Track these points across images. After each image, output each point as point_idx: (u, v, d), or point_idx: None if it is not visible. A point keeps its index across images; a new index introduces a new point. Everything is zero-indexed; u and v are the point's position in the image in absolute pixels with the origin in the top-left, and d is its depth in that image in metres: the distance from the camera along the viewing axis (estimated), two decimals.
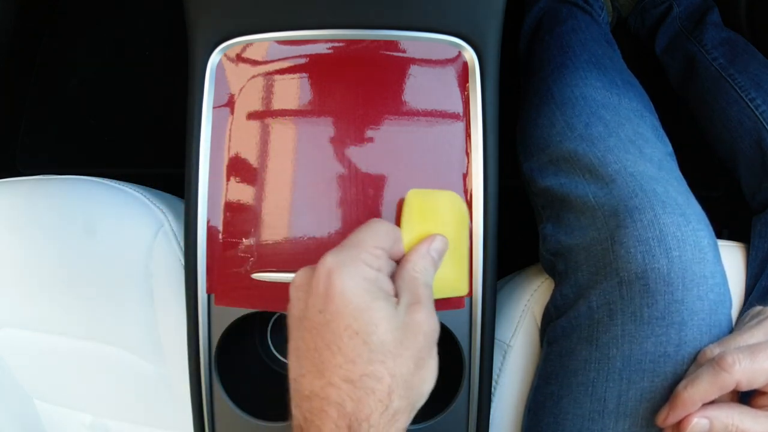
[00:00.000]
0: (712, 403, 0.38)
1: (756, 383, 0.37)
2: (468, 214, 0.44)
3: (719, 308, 0.43)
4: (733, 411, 0.38)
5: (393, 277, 0.35)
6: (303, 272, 0.34)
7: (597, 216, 0.47)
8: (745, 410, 0.38)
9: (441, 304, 0.45)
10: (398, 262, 0.37)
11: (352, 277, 0.31)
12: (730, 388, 0.37)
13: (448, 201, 0.43)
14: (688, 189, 0.49)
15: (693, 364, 0.42)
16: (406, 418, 0.32)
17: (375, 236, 0.35)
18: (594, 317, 0.46)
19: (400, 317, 0.32)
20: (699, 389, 0.38)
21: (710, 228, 0.47)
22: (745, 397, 0.40)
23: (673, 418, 0.39)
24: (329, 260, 0.32)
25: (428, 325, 0.33)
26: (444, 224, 0.41)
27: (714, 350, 0.40)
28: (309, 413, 0.32)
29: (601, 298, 0.45)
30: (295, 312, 0.34)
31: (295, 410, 0.33)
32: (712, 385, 0.37)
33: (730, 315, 0.45)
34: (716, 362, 0.37)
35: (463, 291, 0.44)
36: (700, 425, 0.38)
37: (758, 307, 0.45)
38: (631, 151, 0.49)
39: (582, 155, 0.50)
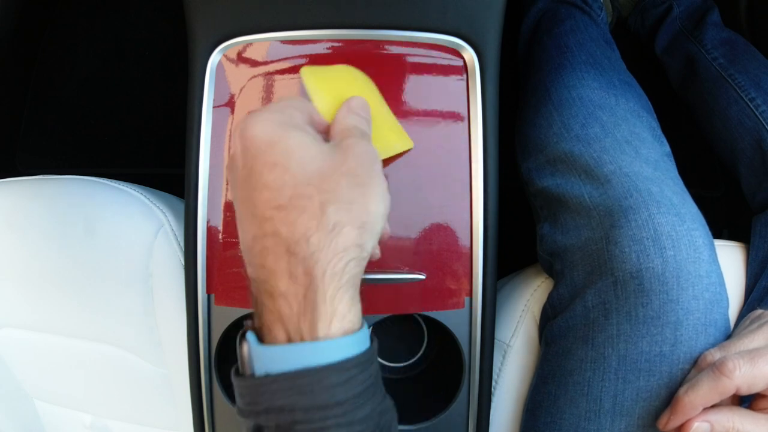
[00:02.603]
0: (713, 407, 0.39)
1: (756, 388, 0.37)
2: (368, 77, 0.43)
3: (715, 307, 0.43)
4: (733, 414, 0.38)
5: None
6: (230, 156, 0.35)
7: (592, 216, 0.47)
8: (746, 413, 0.38)
9: (441, 304, 0.46)
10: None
11: (260, 120, 0.32)
12: (731, 393, 0.37)
13: (345, 72, 0.42)
14: (685, 189, 0.49)
15: (694, 368, 0.42)
16: (353, 234, 0.31)
17: (286, 101, 0.35)
18: (589, 317, 0.46)
19: (323, 146, 0.32)
20: (700, 394, 0.38)
21: (706, 227, 0.47)
22: (746, 400, 0.40)
23: (674, 423, 0.40)
24: (239, 124, 0.32)
25: (359, 148, 0.33)
26: (354, 90, 0.40)
27: (715, 354, 0.41)
28: (254, 258, 0.31)
29: (597, 298, 0.45)
30: (231, 189, 0.34)
31: (248, 269, 0.32)
32: (713, 390, 0.38)
33: (726, 314, 0.45)
34: (717, 367, 0.38)
35: (408, 144, 0.43)
36: (701, 429, 0.38)
37: (759, 311, 0.45)
38: (627, 151, 0.50)
39: (578, 156, 0.50)
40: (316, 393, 0.29)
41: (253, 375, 0.30)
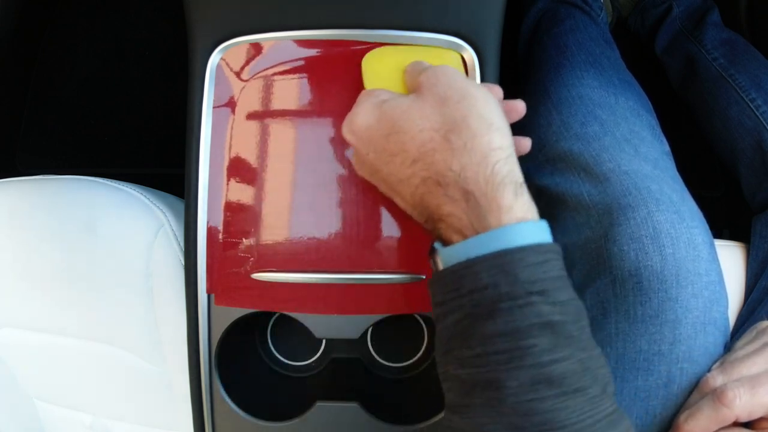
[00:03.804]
0: None
1: (756, 416, 0.38)
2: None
3: (714, 306, 0.43)
4: None
5: None
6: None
7: (591, 214, 0.47)
8: None
9: None
10: None
11: (357, 112, 0.37)
12: (730, 421, 0.38)
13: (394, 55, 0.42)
14: (684, 187, 0.49)
15: (695, 391, 0.42)
16: (484, 141, 0.33)
17: (364, 92, 0.40)
18: (588, 316, 0.46)
19: (411, 96, 0.36)
20: (699, 423, 0.39)
21: (705, 226, 0.46)
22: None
23: None
24: (343, 127, 0.38)
25: (436, 74, 0.35)
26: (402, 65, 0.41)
27: (716, 379, 0.41)
28: (418, 209, 0.35)
29: (595, 297, 0.45)
30: (372, 179, 0.39)
31: (420, 221, 0.37)
32: (713, 419, 0.38)
33: (725, 313, 0.45)
34: (717, 397, 0.38)
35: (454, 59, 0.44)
36: None
37: (765, 323, 0.45)
38: (626, 149, 0.50)
39: (577, 154, 0.50)
40: (518, 271, 0.30)
41: (453, 264, 0.32)
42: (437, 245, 0.34)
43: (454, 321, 0.32)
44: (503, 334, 0.30)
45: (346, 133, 0.38)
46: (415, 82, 0.37)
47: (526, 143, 0.42)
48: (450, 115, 0.33)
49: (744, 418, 0.38)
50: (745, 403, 0.37)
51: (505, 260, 0.30)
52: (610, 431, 0.30)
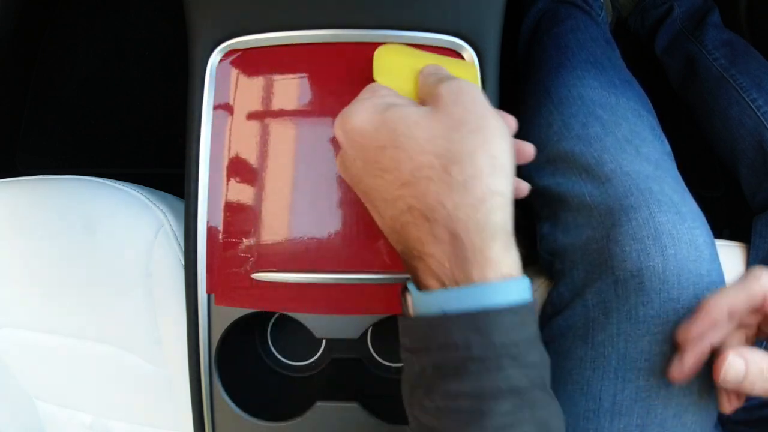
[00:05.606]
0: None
1: None
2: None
3: None
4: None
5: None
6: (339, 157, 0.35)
7: (593, 215, 0.47)
8: None
9: None
10: None
11: (355, 111, 0.32)
12: (758, 299, 0.36)
13: (411, 56, 0.39)
14: (685, 188, 0.49)
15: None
16: (485, 184, 0.30)
17: (369, 87, 0.35)
18: (589, 316, 0.46)
19: (422, 109, 0.32)
20: (727, 296, 0.37)
21: (707, 226, 0.47)
22: None
23: (697, 329, 0.38)
24: (336, 121, 0.33)
25: (456, 90, 0.32)
26: (418, 65, 0.38)
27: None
28: (398, 236, 0.32)
29: (597, 297, 0.45)
30: (352, 185, 0.35)
31: (396, 247, 0.34)
32: (741, 291, 0.36)
33: None
34: (744, 276, 0.37)
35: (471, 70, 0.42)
36: (735, 364, 0.36)
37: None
38: (627, 150, 0.50)
39: (578, 155, 0.50)
40: (493, 333, 0.29)
41: (425, 315, 0.30)
42: (411, 287, 0.32)
43: (420, 371, 0.31)
44: (467, 394, 0.29)
45: (338, 129, 0.33)
46: (431, 92, 0.33)
47: (529, 150, 0.39)
48: (459, 144, 0.30)
49: None
50: None
51: (481, 321, 0.29)
52: None
